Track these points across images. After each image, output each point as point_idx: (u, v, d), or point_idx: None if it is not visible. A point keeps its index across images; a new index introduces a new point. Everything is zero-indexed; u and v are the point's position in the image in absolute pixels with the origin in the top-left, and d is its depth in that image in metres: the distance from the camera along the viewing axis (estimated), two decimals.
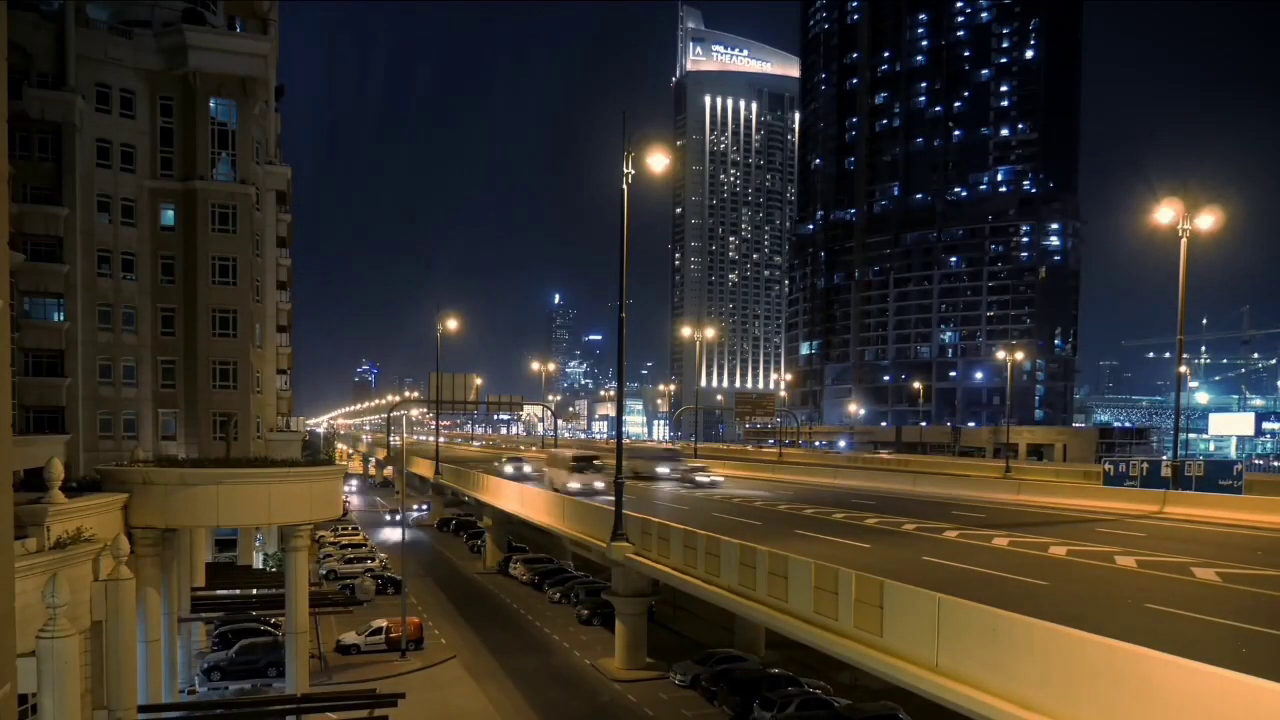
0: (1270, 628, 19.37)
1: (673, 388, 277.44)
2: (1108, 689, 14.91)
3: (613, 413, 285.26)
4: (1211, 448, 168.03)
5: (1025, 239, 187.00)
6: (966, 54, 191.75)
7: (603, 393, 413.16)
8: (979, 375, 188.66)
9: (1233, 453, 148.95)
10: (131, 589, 23.66)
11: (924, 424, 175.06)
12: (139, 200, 46.90)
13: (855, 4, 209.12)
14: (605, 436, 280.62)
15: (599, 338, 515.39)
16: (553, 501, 49.34)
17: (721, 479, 61.54)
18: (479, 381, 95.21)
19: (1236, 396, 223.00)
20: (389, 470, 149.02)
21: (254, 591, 45.67)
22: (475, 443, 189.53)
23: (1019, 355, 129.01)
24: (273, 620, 42.71)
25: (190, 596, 40.00)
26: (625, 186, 35.59)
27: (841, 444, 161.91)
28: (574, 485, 52.61)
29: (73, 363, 44.34)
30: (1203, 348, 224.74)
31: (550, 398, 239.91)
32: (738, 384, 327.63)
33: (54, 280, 43.68)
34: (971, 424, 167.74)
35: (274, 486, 30.60)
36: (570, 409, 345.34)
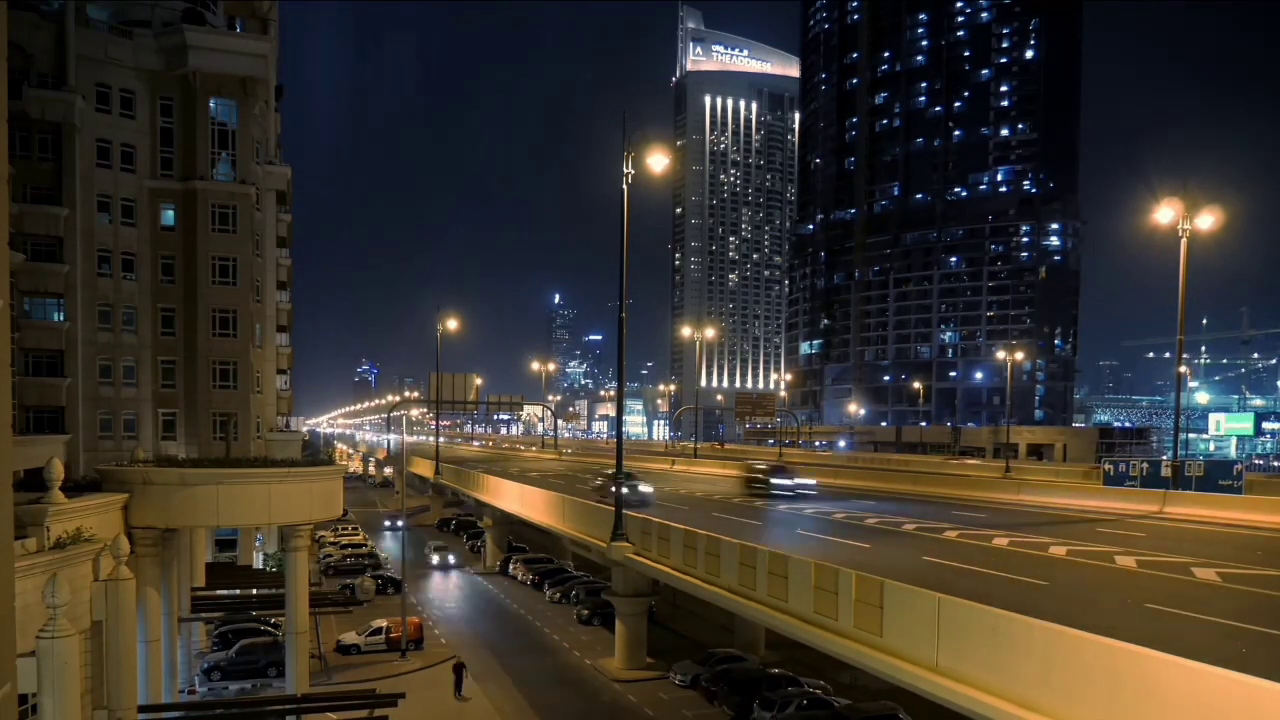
0: (1270, 628, 19.36)
1: (673, 388, 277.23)
2: (1108, 689, 14.91)
3: (613, 413, 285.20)
4: (1211, 448, 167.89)
5: (1025, 239, 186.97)
6: (966, 54, 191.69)
7: (603, 393, 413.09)
8: (979, 375, 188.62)
9: (1233, 453, 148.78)
10: (131, 589, 23.65)
11: (924, 424, 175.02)
12: (139, 200, 46.87)
13: (855, 4, 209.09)
14: (605, 436, 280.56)
15: (599, 338, 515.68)
16: (553, 501, 49.35)
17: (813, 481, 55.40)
18: (479, 381, 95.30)
19: (1236, 396, 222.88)
20: (389, 470, 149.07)
21: (254, 591, 45.68)
22: (475, 443, 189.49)
23: (1019, 355, 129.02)
24: (273, 620, 42.71)
25: (190, 596, 39.98)
26: (625, 186, 35.59)
27: (841, 444, 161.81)
28: None
29: (73, 363, 44.30)
30: (1203, 348, 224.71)
31: (550, 398, 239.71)
32: (738, 384, 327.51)
33: (54, 280, 43.64)
34: (971, 424, 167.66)
35: (274, 486, 30.59)
36: (570, 409, 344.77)
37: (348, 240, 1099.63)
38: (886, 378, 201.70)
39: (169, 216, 47.88)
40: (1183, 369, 52.11)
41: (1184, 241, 43.48)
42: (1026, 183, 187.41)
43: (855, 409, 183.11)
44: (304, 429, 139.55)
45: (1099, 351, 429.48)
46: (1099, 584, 25.31)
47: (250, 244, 50.10)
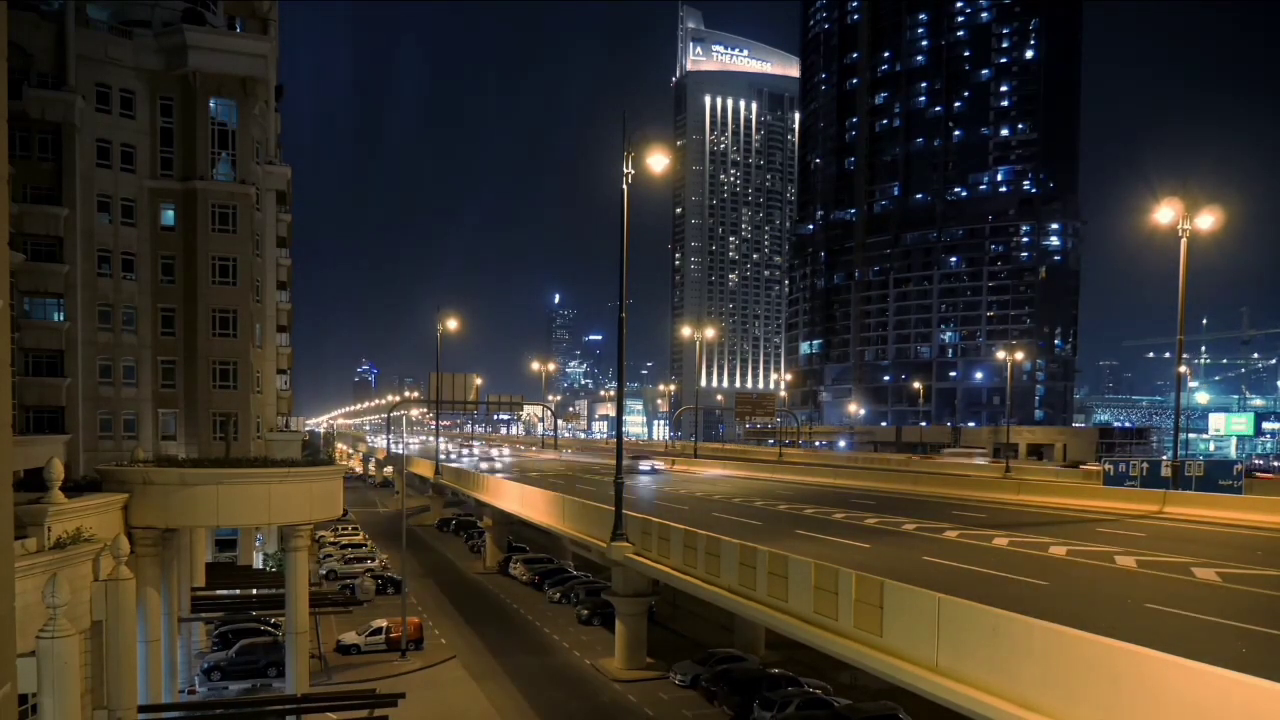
0: (1270, 628, 19.37)
1: (673, 388, 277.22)
2: (1108, 689, 14.91)
3: (613, 413, 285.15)
4: (1211, 448, 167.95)
5: (1025, 239, 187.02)
6: (966, 54, 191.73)
7: (603, 393, 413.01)
8: (979, 375, 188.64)
9: (1233, 453, 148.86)
10: (131, 589, 23.65)
11: (924, 424, 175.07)
12: (139, 200, 46.83)
13: (855, 4, 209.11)
14: (605, 436, 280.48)
15: (599, 338, 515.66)
16: (553, 501, 49.34)
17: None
18: (479, 381, 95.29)
19: (1236, 396, 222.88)
20: (389, 470, 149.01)
21: (254, 591, 45.67)
22: (474, 443, 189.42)
23: (1019, 355, 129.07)
24: (273, 620, 42.70)
25: (190, 596, 39.98)
26: (625, 186, 35.60)
27: (841, 444, 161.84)
28: None
29: (73, 363, 44.28)
30: (1203, 348, 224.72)
31: (550, 398, 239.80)
32: (738, 384, 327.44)
33: (54, 280, 43.61)
34: (971, 424, 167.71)
35: (274, 486, 30.59)
36: (570, 409, 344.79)
37: (348, 240, 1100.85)
38: (886, 378, 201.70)
39: (169, 216, 47.84)
40: (1183, 369, 52.12)
41: (1184, 241, 43.49)
42: (1026, 183, 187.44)
43: (855, 409, 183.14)
44: (305, 429, 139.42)
45: (1099, 351, 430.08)
46: (1099, 584, 25.32)
47: (250, 244, 50.07)
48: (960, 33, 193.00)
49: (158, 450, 45.43)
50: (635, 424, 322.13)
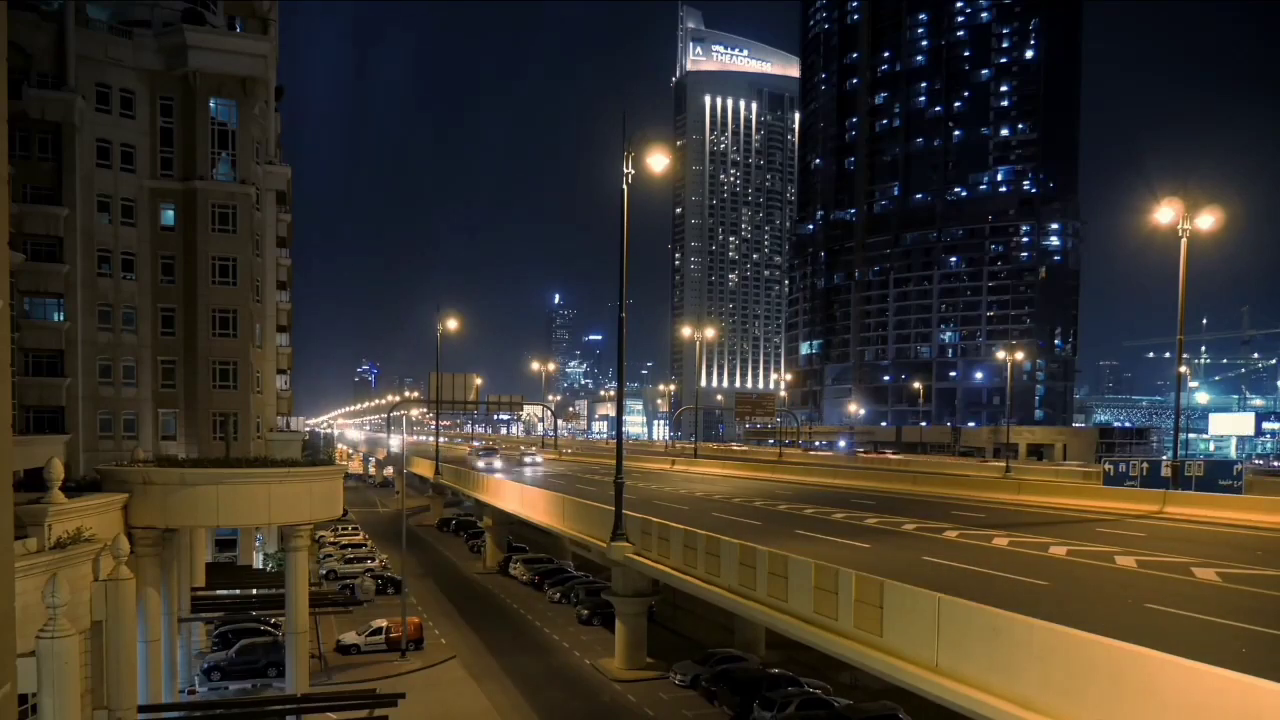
0: (1270, 628, 19.37)
1: (673, 388, 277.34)
2: (1108, 689, 14.91)
3: (613, 413, 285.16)
4: (1211, 448, 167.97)
5: (1025, 239, 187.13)
6: (966, 54, 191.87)
7: (603, 393, 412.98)
8: (979, 375, 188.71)
9: (1233, 453, 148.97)
10: (131, 589, 23.64)
11: (924, 424, 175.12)
12: (139, 200, 46.84)
13: (855, 4, 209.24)
14: (605, 436, 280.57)
15: (599, 338, 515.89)
16: (553, 501, 49.34)
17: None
18: (479, 381, 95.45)
19: (1236, 396, 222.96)
20: (389, 470, 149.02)
21: (254, 591, 45.66)
22: (474, 442, 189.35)
23: (1019, 355, 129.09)
24: (273, 620, 42.70)
25: (190, 596, 39.96)
26: (625, 186, 35.61)
27: (841, 444, 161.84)
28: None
29: (73, 363, 44.29)
30: (1203, 348, 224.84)
31: (550, 398, 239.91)
32: (738, 384, 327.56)
33: (54, 280, 43.62)
34: (971, 424, 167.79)
35: (274, 486, 30.57)
36: (570, 409, 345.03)
37: (348, 241, 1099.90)
38: (886, 378, 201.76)
39: (169, 216, 47.86)
40: (1183, 369, 52.11)
41: (1184, 241, 43.46)
42: (1026, 183, 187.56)
43: (855, 409, 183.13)
44: (305, 428, 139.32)
45: (1099, 351, 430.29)
46: (1099, 584, 25.32)
47: (250, 244, 50.08)
48: (960, 33, 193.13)
49: (158, 450, 45.42)
50: (635, 424, 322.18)
